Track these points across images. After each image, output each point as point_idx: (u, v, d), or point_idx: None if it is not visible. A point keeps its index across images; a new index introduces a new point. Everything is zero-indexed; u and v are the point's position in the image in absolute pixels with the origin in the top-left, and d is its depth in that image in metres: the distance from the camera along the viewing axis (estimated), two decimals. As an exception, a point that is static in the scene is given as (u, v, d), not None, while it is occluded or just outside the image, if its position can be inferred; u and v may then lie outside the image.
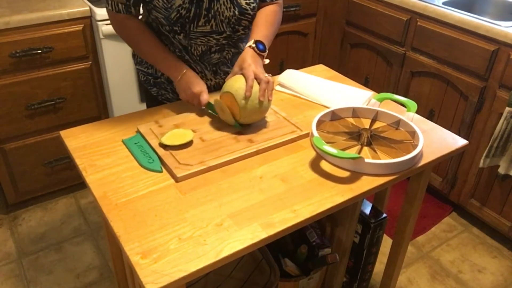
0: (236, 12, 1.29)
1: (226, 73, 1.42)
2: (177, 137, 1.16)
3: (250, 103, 1.17)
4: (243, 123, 1.22)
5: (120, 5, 1.26)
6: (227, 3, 1.27)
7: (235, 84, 1.19)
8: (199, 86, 1.28)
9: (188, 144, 1.16)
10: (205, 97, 1.27)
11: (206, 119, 1.28)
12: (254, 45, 1.26)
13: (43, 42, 1.86)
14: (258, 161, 1.14)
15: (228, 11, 1.28)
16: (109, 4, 1.28)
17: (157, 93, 1.46)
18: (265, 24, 1.35)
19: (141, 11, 1.33)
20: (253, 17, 1.35)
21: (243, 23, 1.34)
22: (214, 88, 1.44)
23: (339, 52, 2.59)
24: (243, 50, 1.41)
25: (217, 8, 1.26)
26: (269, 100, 1.21)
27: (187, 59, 1.36)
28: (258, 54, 1.26)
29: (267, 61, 1.31)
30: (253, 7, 1.32)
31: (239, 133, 1.22)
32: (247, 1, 1.30)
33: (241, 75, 1.21)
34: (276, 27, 1.39)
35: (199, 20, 1.26)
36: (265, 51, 1.28)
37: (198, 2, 1.24)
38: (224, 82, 1.43)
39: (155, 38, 1.31)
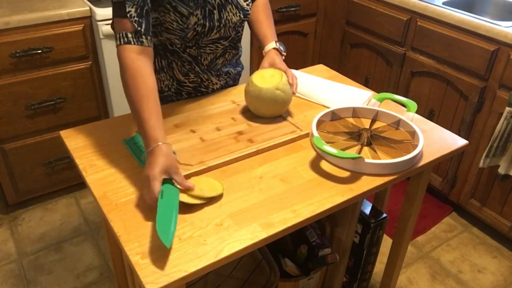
0: (242, 16, 1.31)
1: (227, 73, 1.42)
2: (202, 186, 1.00)
3: (289, 90, 1.25)
4: (265, 111, 1.27)
5: (129, 35, 1.07)
6: (233, 9, 1.29)
7: (278, 72, 1.28)
8: (156, 168, 0.95)
9: (219, 197, 1.01)
10: (155, 188, 0.93)
11: (206, 119, 1.28)
12: (278, 47, 1.34)
13: (43, 42, 1.86)
14: (258, 161, 1.14)
15: (235, 17, 1.30)
16: (118, 39, 1.08)
17: None
18: (267, 20, 1.41)
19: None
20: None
21: (243, 24, 1.37)
22: (218, 90, 1.44)
23: (339, 52, 2.59)
24: (241, 50, 1.44)
25: (226, 16, 1.27)
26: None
27: (197, 70, 1.35)
28: (281, 53, 1.35)
29: (283, 49, 1.40)
30: (250, 6, 1.35)
31: (239, 133, 1.22)
32: (247, 2, 1.32)
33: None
34: (272, 17, 1.45)
35: (212, 32, 1.27)
36: (285, 51, 1.37)
37: (210, 15, 1.24)
38: (226, 83, 1.44)
39: (149, 93, 1.04)
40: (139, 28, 1.08)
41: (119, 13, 1.08)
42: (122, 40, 1.07)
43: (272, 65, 1.31)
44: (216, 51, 1.34)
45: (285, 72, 1.29)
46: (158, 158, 0.96)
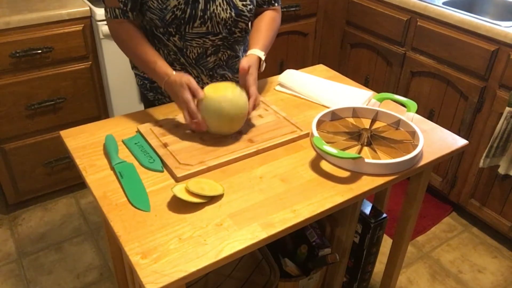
0: (233, 14, 1.28)
1: (222, 76, 1.41)
2: (203, 186, 1.00)
3: (240, 105, 1.14)
4: (211, 125, 1.16)
5: (117, 10, 1.23)
6: (223, 4, 1.26)
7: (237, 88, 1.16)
8: (185, 91, 1.13)
9: (219, 197, 1.02)
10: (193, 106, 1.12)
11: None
12: (260, 57, 1.24)
13: (43, 42, 1.86)
14: (258, 161, 1.14)
15: (225, 13, 1.27)
16: (107, 12, 1.25)
17: (154, 98, 1.45)
18: (265, 31, 1.34)
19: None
20: (250, 19, 1.34)
21: (239, 25, 1.33)
22: None
23: (339, 52, 2.59)
24: (239, 53, 1.40)
25: (213, 10, 1.25)
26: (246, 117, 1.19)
27: (182, 62, 1.34)
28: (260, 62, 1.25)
29: (263, 66, 1.30)
30: (250, 9, 1.31)
31: (239, 133, 1.22)
32: (244, 3, 1.29)
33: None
34: (274, 34, 1.38)
35: (194, 22, 1.25)
36: (263, 64, 1.27)
37: (194, 3, 1.23)
38: None
39: (147, 43, 1.25)
40: (124, 8, 1.23)
41: None
42: (111, 14, 1.25)
43: (248, 64, 1.19)
44: (205, 47, 1.32)
45: (249, 89, 1.18)
46: (176, 82, 1.15)
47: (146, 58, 1.23)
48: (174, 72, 1.18)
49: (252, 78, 1.20)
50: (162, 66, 1.20)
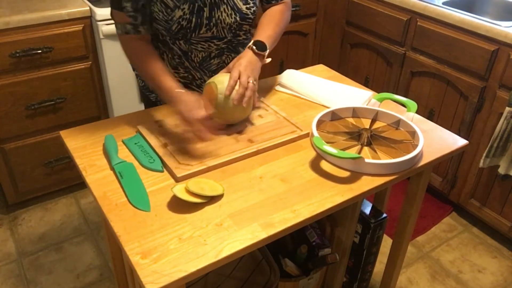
0: (238, 18, 1.28)
1: None
2: (203, 186, 1.01)
3: (226, 101, 1.16)
4: (219, 118, 1.19)
5: (128, 26, 1.21)
6: (228, 9, 1.26)
7: (220, 77, 1.19)
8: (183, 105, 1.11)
9: (219, 197, 1.02)
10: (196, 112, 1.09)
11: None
12: (253, 46, 1.23)
13: (43, 42, 1.86)
14: (258, 161, 1.14)
15: (229, 18, 1.27)
16: (118, 28, 1.22)
17: (156, 99, 1.45)
18: (269, 24, 1.34)
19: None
20: (253, 20, 1.34)
21: (244, 28, 1.34)
22: None
23: (339, 52, 2.59)
24: None
25: (218, 16, 1.25)
26: (252, 105, 1.20)
27: (186, 65, 1.34)
28: (257, 54, 1.24)
29: (268, 60, 1.29)
30: (254, 11, 1.31)
31: (239, 133, 1.22)
32: (248, 6, 1.29)
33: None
34: (282, 26, 1.37)
35: (200, 29, 1.25)
36: (265, 51, 1.25)
37: (199, 12, 1.23)
38: None
39: (156, 60, 1.21)
40: (135, 22, 1.20)
41: (116, 5, 1.20)
42: (122, 30, 1.22)
43: (234, 63, 1.22)
44: (209, 50, 1.32)
45: (230, 78, 1.17)
46: (181, 98, 1.11)
47: (152, 76, 1.19)
48: (177, 90, 1.14)
49: (234, 67, 1.19)
50: (167, 81, 1.16)
